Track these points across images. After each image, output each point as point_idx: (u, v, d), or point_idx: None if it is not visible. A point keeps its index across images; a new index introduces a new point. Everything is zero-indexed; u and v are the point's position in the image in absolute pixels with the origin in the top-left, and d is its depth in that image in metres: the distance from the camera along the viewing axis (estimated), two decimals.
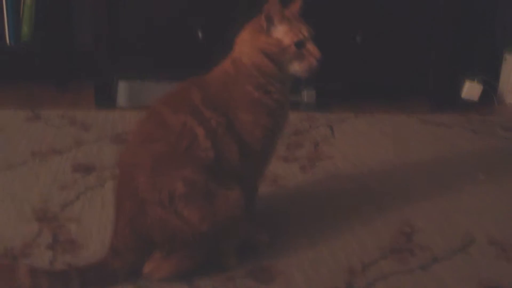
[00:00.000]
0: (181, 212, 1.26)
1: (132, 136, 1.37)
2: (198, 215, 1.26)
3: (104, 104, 2.53)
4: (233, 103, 1.34)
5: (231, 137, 1.33)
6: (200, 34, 2.48)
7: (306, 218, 1.67)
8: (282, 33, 1.34)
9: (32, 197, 1.68)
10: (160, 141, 1.28)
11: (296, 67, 1.36)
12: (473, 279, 1.45)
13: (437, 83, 2.73)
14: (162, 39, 2.52)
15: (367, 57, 2.67)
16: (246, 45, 1.37)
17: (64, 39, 2.72)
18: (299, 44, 1.34)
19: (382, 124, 2.51)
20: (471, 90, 2.80)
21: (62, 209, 1.62)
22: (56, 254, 1.41)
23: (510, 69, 2.89)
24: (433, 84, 2.74)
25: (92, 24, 2.49)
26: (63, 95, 2.67)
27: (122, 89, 2.55)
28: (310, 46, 1.35)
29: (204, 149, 1.29)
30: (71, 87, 2.74)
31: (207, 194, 1.28)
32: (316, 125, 2.45)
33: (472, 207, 1.80)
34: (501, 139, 2.42)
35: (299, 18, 1.38)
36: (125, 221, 1.29)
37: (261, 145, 1.37)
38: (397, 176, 2.00)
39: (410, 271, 1.47)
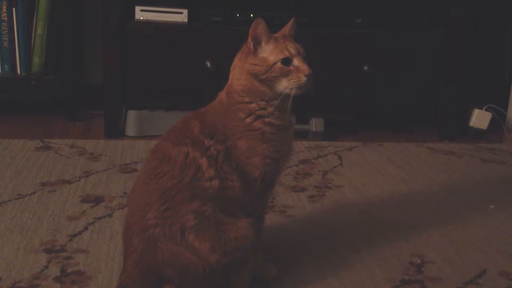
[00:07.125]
0: (192, 244, 1.25)
1: (139, 175, 1.37)
2: (208, 246, 1.26)
3: (113, 134, 2.54)
4: (229, 131, 1.33)
5: (230, 165, 1.32)
6: (208, 64, 2.51)
7: (315, 249, 1.66)
8: (268, 52, 1.33)
9: (40, 228, 1.68)
10: (165, 176, 1.28)
11: (285, 84, 1.32)
12: None
13: (445, 112, 2.74)
14: (170, 68, 2.54)
15: (376, 87, 2.68)
16: (236, 71, 1.36)
17: (75, 69, 2.75)
18: (286, 61, 1.32)
19: (390, 153, 2.51)
20: (479, 118, 2.80)
21: (70, 240, 1.62)
22: (64, 287, 1.40)
23: None
24: (442, 113, 2.74)
25: (103, 57, 2.51)
26: (73, 124, 2.70)
27: (131, 118, 2.57)
28: (298, 63, 1.32)
29: (209, 178, 1.28)
30: (81, 116, 2.77)
31: (216, 223, 1.27)
32: (324, 154, 2.45)
33: (482, 238, 1.78)
34: (511, 167, 2.41)
35: (289, 38, 1.37)
36: (134, 257, 1.28)
37: (261, 173, 1.35)
38: (406, 206, 1.99)
39: None
